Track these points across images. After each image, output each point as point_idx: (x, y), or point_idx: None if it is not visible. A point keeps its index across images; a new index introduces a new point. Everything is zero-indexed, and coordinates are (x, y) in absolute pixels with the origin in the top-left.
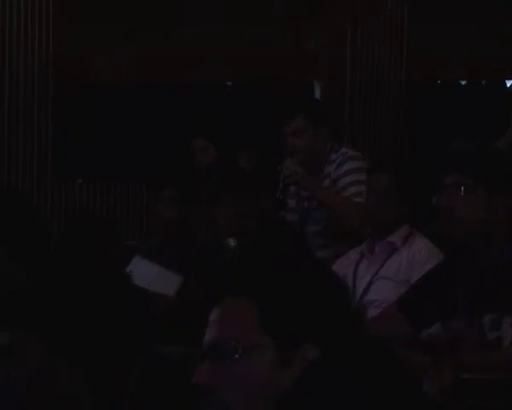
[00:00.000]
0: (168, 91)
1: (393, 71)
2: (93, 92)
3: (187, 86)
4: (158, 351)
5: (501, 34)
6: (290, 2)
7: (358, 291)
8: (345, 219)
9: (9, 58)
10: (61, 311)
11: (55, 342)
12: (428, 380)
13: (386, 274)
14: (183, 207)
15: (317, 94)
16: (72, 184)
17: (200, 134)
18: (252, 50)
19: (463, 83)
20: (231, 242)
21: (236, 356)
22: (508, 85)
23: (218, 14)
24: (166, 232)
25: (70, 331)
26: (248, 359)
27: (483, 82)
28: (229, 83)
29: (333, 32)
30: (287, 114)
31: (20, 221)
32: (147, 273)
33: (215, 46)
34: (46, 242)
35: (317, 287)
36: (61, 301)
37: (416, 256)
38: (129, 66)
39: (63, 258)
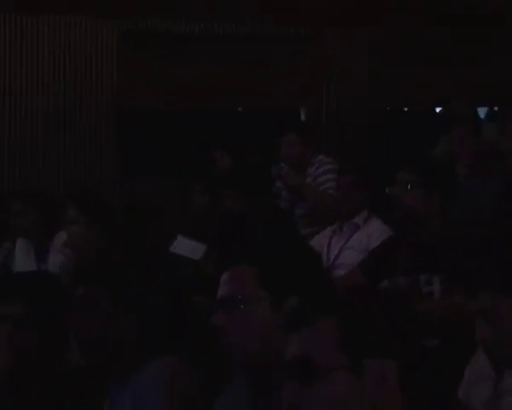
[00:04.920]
0: (194, 115)
1: (358, 101)
2: (143, 116)
3: (208, 111)
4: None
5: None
6: (284, 54)
7: (331, 258)
8: (321, 206)
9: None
10: (128, 274)
11: (119, 296)
12: None
13: (351, 245)
14: (208, 198)
15: (302, 117)
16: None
17: (219, 147)
18: (257, 86)
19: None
20: None
21: (242, 307)
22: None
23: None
24: (196, 217)
25: (133, 288)
26: (251, 308)
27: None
28: (240, 109)
29: (313, 73)
30: (282, 131)
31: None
32: (185, 245)
33: (232, 81)
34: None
35: (300, 256)
36: (127, 266)
37: (373, 233)
38: (168, 96)
39: (127, 235)
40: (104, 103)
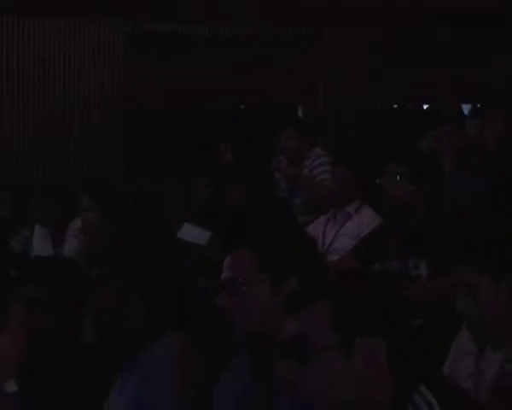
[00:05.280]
0: (199, 113)
1: (356, 101)
2: (144, 116)
3: (212, 110)
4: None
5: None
6: (284, 55)
7: (326, 243)
8: (317, 196)
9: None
10: (137, 257)
11: (130, 279)
12: None
13: (344, 232)
14: (211, 191)
15: (300, 114)
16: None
17: (223, 141)
18: (257, 86)
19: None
20: None
21: (243, 288)
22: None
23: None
24: (201, 206)
25: (143, 271)
26: (251, 290)
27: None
28: (242, 106)
29: (313, 73)
30: (281, 127)
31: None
32: (191, 232)
33: (232, 81)
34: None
35: (297, 241)
36: (137, 251)
37: (364, 221)
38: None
39: (138, 223)
40: (108, 104)
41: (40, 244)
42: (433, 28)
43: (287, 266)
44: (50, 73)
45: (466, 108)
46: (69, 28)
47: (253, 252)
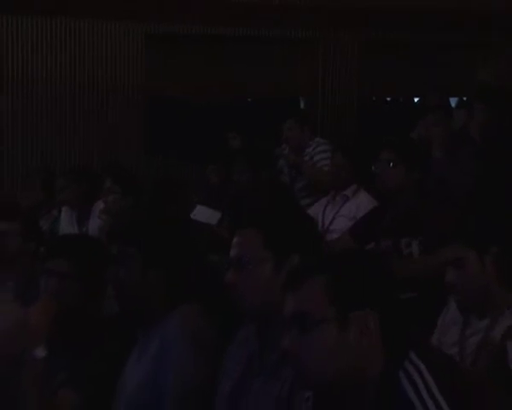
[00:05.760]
0: (210, 104)
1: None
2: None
3: (223, 101)
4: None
5: None
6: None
7: (325, 224)
8: (317, 180)
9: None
10: (155, 235)
11: (148, 255)
12: None
13: (342, 214)
14: (222, 175)
15: (302, 105)
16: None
17: (232, 129)
18: (264, 81)
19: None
20: None
21: (250, 267)
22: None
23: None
24: (212, 189)
25: (160, 248)
26: (257, 267)
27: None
28: (249, 99)
29: (312, 70)
30: (284, 117)
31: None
32: (203, 213)
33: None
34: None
35: (298, 221)
36: (155, 229)
37: (360, 203)
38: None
39: (155, 203)
40: (131, 93)
41: (67, 224)
42: (421, 28)
43: (289, 244)
44: (82, 64)
45: (453, 101)
46: (100, 24)
47: (258, 231)
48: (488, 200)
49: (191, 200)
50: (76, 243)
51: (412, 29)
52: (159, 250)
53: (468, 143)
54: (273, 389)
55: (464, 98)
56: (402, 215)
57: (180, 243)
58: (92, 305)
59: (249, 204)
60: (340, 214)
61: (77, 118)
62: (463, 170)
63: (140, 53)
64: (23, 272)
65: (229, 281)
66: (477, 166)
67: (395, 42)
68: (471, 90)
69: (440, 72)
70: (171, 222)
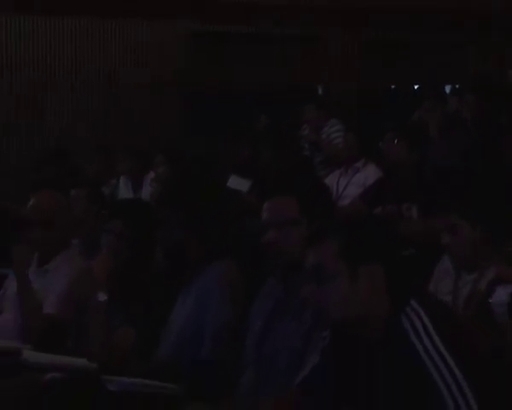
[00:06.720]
0: (242, 93)
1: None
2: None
3: (252, 90)
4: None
5: None
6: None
7: (340, 191)
8: (332, 155)
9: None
10: (195, 200)
11: (189, 217)
12: None
13: (353, 182)
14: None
15: (320, 92)
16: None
17: (262, 113)
18: (288, 72)
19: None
20: None
21: (288, 227)
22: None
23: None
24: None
25: (200, 210)
26: (291, 230)
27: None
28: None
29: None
30: (304, 102)
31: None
32: (236, 181)
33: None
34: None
35: (317, 189)
36: (195, 195)
37: (369, 174)
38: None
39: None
40: (178, 84)
41: (124, 190)
42: (421, 28)
43: (313, 210)
44: (137, 60)
45: (447, 88)
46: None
47: (289, 198)
48: (478, 178)
49: (225, 171)
50: (130, 207)
51: (412, 29)
52: (198, 213)
53: (460, 125)
54: (296, 328)
55: (457, 86)
56: (404, 184)
57: (216, 205)
58: (144, 259)
59: (277, 174)
60: (351, 183)
61: (140, 111)
62: (456, 149)
63: (187, 51)
64: (88, 231)
65: (269, 240)
66: (469, 147)
67: (395, 42)
68: (465, 79)
69: (440, 72)
70: (209, 188)
